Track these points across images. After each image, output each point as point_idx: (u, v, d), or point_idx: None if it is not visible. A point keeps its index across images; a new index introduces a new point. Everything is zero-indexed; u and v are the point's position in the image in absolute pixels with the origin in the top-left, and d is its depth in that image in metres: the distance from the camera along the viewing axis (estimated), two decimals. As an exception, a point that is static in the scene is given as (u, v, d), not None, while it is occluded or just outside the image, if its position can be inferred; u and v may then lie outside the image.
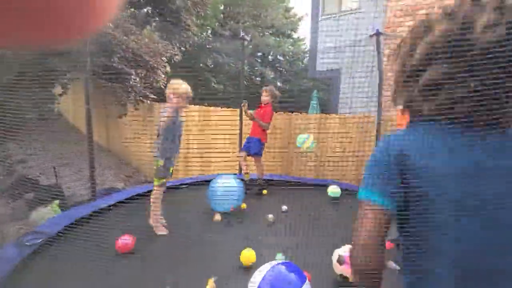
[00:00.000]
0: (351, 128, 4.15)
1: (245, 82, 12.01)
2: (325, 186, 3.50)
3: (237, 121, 4.18)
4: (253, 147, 3.61)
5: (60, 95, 5.73)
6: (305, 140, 3.27)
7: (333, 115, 4.70)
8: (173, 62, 6.90)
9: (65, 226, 2.15)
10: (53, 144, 6.32)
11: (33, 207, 4.18)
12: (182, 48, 8.30)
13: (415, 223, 0.63)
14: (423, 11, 4.72)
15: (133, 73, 6.00)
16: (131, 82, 5.97)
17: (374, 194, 0.63)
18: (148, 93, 6.16)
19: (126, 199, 3.07)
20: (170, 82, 2.45)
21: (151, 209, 2.40)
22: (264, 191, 3.61)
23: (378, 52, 3.47)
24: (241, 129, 4.03)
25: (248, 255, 1.94)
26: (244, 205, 3.01)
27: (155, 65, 6.27)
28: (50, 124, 6.61)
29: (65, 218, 2.39)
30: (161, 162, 2.38)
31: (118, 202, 2.91)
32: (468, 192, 0.58)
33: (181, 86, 2.39)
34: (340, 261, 1.78)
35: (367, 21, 5.36)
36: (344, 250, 1.80)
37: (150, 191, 2.56)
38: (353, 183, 4.10)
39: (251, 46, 12.81)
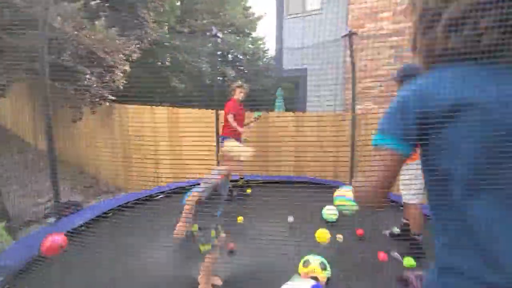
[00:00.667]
0: (326, 125, 4.28)
1: (208, 81, 11.72)
2: (306, 183, 3.55)
3: (209, 122, 4.03)
4: None
5: (-4, 98, 4.90)
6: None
7: (309, 113, 4.80)
8: (131, 60, 6.37)
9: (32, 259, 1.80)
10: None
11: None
12: (139, 45, 7.72)
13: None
14: (385, 14, 5.09)
15: (88, 72, 5.39)
16: (85, 82, 5.35)
17: (388, 139, 0.64)
18: (106, 94, 5.59)
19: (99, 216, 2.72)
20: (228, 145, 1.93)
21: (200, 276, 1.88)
22: (248, 190, 3.53)
23: (351, 51, 3.62)
24: (217, 130, 3.88)
25: (323, 234, 2.22)
26: (240, 218, 2.84)
27: (112, 63, 5.72)
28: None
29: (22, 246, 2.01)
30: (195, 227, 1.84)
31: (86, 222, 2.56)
32: None
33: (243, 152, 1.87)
34: None
35: (330, 22, 5.58)
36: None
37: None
38: (329, 179, 4.25)
39: (210, 44, 12.51)
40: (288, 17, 6.57)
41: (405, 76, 2.17)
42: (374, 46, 5.24)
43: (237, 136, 3.51)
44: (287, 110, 9.50)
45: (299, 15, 6.43)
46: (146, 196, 3.25)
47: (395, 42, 5.08)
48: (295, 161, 4.47)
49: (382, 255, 2.15)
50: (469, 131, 0.56)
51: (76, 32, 5.06)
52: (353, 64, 3.69)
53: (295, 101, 8.32)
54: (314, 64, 5.84)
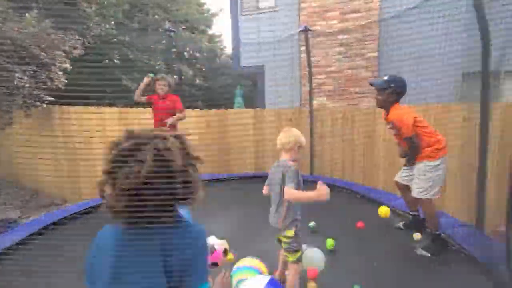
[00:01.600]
0: (284, 120, 4.35)
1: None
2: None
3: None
4: None
5: None
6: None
7: (268, 109, 4.84)
8: (72, 57, 5.76)
9: None
10: None
11: None
12: (81, 40, 7.03)
13: None
14: (334, 13, 5.33)
15: (18, 70, 4.72)
16: (15, 82, 4.69)
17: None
18: (42, 95, 4.97)
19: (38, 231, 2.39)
20: (286, 130, 1.82)
21: None
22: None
23: (307, 46, 3.72)
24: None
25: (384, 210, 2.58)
26: (230, 256, 2.01)
27: (49, 60, 5.10)
28: None
29: None
30: (290, 232, 1.70)
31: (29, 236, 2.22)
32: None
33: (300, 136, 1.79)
34: None
35: (284, 20, 5.69)
36: None
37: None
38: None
39: (164, 42, 11.93)
40: (243, 14, 6.54)
41: (389, 85, 2.30)
42: (326, 43, 5.47)
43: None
44: (246, 107, 9.50)
45: (253, 12, 6.44)
46: (92, 206, 2.94)
47: (344, 40, 5.36)
48: (255, 158, 4.47)
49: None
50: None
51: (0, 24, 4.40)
52: (309, 59, 3.80)
53: (254, 98, 8.37)
54: (271, 61, 5.91)
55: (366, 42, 5.37)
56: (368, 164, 3.99)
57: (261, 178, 2.15)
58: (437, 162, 2.23)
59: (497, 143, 3.02)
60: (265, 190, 1.86)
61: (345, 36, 5.32)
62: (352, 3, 5.32)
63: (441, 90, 4.15)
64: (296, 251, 1.72)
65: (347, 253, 2.22)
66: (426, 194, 2.26)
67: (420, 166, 2.29)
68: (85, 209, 2.85)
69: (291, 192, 1.58)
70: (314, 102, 5.07)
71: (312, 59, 5.27)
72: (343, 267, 2.03)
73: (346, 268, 2.03)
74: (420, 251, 2.22)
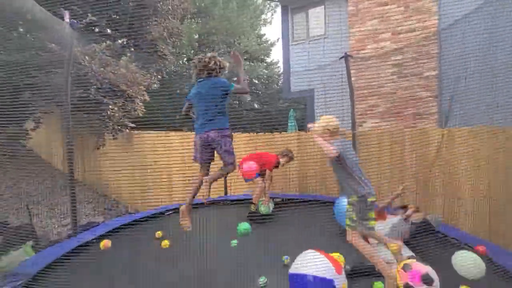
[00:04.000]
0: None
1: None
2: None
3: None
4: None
5: (33, 129, 5.53)
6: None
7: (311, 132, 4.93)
8: (150, 90, 6.96)
9: (47, 265, 2.04)
10: (23, 181, 5.97)
11: (4, 252, 3.88)
12: (158, 76, 8.42)
13: None
14: (383, 35, 5.26)
15: (111, 103, 5.97)
16: (108, 112, 5.92)
17: None
18: (126, 122, 6.12)
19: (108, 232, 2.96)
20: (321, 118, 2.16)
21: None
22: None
23: (348, 71, 3.79)
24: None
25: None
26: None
27: (133, 94, 6.29)
28: (21, 161, 6.28)
29: (43, 258, 2.25)
30: (354, 198, 2.02)
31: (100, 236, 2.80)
32: None
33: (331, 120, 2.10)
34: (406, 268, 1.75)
35: (333, 46, 5.84)
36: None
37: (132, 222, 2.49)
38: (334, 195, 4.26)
39: (226, 72, 13.21)
40: (294, 43, 6.93)
41: None
42: (377, 65, 5.37)
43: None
44: (299, 129, 9.63)
45: (304, 41, 6.77)
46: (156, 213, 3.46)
47: (397, 61, 5.18)
48: (298, 179, 4.54)
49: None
50: None
51: (102, 69, 5.70)
52: (350, 84, 3.84)
53: (304, 122, 8.48)
54: (320, 87, 6.04)
55: (423, 61, 5.07)
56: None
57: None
58: None
59: None
60: None
61: (398, 57, 5.14)
62: (405, 22, 5.17)
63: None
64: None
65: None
66: None
67: None
68: (147, 216, 3.37)
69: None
70: (366, 125, 4.95)
71: (362, 81, 5.21)
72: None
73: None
74: None
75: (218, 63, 2.37)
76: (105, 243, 2.54)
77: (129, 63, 6.45)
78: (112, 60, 6.14)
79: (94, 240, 2.68)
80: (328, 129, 2.05)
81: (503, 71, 3.36)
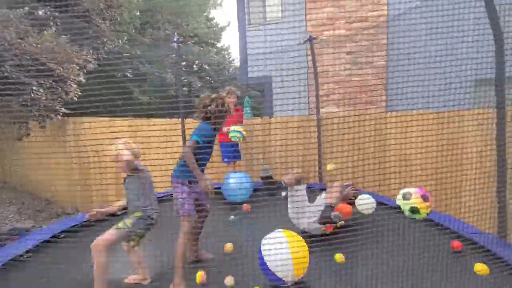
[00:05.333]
0: (292, 129, 4.34)
1: (173, 92, 11.42)
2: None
3: (174, 130, 3.88)
4: (238, 154, 3.78)
5: None
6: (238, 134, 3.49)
7: (275, 118, 4.84)
8: (85, 71, 5.97)
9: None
10: None
11: None
12: (95, 55, 7.31)
13: None
14: (341, 21, 5.38)
15: (34, 83, 4.92)
16: (32, 95, 4.88)
17: None
18: (57, 107, 5.15)
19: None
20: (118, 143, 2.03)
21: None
22: None
23: (313, 55, 3.74)
24: (184, 139, 3.74)
25: None
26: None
27: (64, 73, 5.30)
28: None
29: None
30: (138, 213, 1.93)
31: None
32: None
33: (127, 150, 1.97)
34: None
35: (290, 31, 5.75)
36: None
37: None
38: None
39: (174, 55, 12.30)
40: (250, 27, 6.67)
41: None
42: (333, 52, 5.49)
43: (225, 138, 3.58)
44: (254, 116, 9.56)
45: (260, 24, 6.56)
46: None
47: (353, 48, 5.38)
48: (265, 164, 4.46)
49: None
50: None
51: (19, 40, 4.63)
52: (315, 66, 3.82)
53: (262, 108, 8.41)
54: (278, 71, 5.96)
55: (374, 51, 5.37)
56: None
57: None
58: None
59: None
60: None
61: (353, 44, 5.34)
62: (359, 12, 5.37)
63: (451, 95, 4.06)
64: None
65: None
66: None
67: None
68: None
69: None
70: (324, 111, 5.05)
71: (320, 68, 5.29)
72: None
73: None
74: None
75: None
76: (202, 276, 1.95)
77: (57, 36, 5.39)
78: (32, 30, 5.04)
79: (30, 254, 2.13)
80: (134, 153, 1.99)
81: (436, 61, 3.71)
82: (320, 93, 5.49)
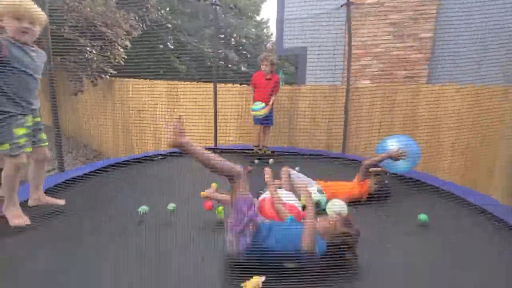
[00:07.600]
0: (319, 97, 4.35)
1: (209, 64, 11.70)
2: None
3: (206, 95, 4.12)
4: (271, 118, 3.74)
5: None
6: (261, 109, 3.48)
7: (302, 86, 4.85)
8: (131, 38, 6.40)
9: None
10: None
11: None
12: (140, 24, 7.72)
13: None
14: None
15: (89, 44, 5.45)
16: (86, 55, 5.43)
17: None
18: (106, 68, 5.67)
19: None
20: None
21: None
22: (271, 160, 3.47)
23: (348, 21, 3.64)
24: (215, 104, 3.98)
25: None
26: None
27: (112, 37, 5.76)
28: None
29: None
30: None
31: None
32: None
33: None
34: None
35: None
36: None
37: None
38: (323, 148, 4.38)
39: (213, 27, 12.42)
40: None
41: None
42: (373, 23, 5.21)
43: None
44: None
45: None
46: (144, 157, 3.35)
47: (395, 20, 5.05)
48: (288, 133, 4.56)
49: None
50: None
51: (76, 3, 5.10)
52: (349, 36, 3.72)
53: (295, 80, 8.34)
54: (314, 42, 5.83)
55: (420, 22, 4.98)
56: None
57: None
58: None
59: None
60: None
61: (396, 16, 4.99)
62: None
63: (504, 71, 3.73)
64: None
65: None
66: None
67: None
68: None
69: None
70: (358, 85, 4.93)
71: (358, 39, 5.07)
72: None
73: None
74: None
75: None
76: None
77: (107, 1, 5.81)
78: (88, -5, 5.49)
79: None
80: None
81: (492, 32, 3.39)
82: (355, 66, 5.32)
